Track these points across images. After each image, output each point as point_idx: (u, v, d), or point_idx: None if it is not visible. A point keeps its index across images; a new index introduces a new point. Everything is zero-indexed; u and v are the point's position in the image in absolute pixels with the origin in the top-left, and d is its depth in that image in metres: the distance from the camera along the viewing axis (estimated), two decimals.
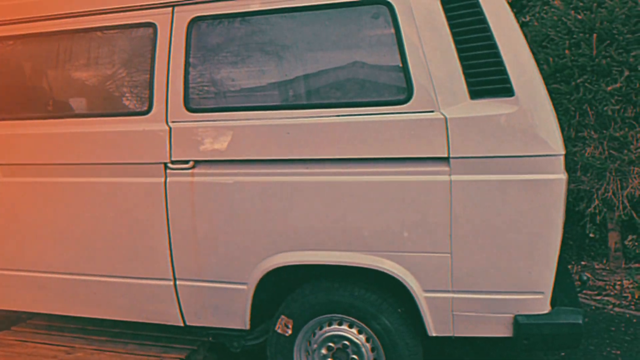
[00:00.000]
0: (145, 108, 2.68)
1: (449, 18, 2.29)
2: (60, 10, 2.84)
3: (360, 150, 2.34)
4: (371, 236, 2.37)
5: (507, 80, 2.22)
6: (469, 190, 2.25)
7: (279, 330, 2.60)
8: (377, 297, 2.46)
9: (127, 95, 2.84)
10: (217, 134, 2.55)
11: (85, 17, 2.80)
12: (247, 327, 2.65)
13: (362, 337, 2.50)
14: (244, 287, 2.59)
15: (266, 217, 2.49)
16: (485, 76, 2.26)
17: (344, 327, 2.53)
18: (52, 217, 2.85)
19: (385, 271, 2.36)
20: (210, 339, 2.84)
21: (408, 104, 2.30)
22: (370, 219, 2.35)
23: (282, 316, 2.60)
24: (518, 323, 2.27)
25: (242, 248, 2.55)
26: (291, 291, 2.65)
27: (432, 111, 2.26)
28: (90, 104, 2.89)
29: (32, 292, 3.02)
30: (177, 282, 2.70)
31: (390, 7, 2.34)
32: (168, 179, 2.63)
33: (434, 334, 2.38)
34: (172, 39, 2.64)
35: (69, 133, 2.78)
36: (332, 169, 2.40)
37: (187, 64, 2.61)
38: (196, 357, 3.06)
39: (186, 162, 2.60)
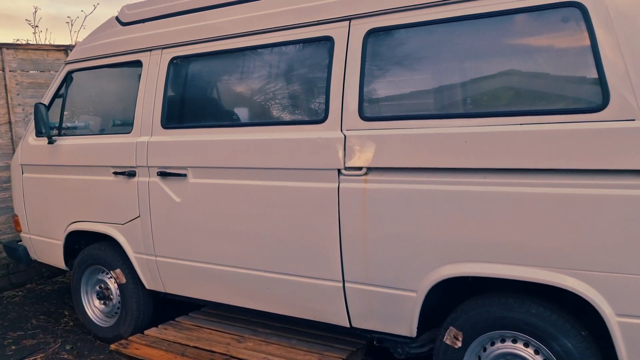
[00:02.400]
0: (321, 117, 2.81)
1: None
2: (243, 30, 3.09)
3: (544, 161, 2.22)
4: (554, 251, 2.23)
5: None
6: None
7: (447, 342, 2.56)
8: (557, 316, 2.31)
9: (304, 105, 2.99)
10: (390, 142, 2.58)
11: (266, 34, 3.02)
12: (414, 334, 2.65)
13: (539, 358, 2.37)
14: (413, 294, 2.59)
15: (440, 226, 2.47)
16: None
17: (519, 345, 2.42)
18: (234, 215, 3.10)
19: (570, 290, 2.21)
20: (375, 342, 2.88)
21: (603, 112, 2.14)
22: (554, 233, 2.22)
23: (451, 327, 2.55)
24: None
25: (413, 255, 2.56)
26: (459, 302, 2.60)
27: (632, 120, 2.08)
28: (270, 113, 3.10)
29: (210, 283, 3.31)
30: (346, 284, 2.78)
31: (582, 9, 2.20)
32: (341, 185, 2.72)
33: None
34: (349, 50, 2.73)
35: (250, 140, 3.01)
36: (512, 179, 2.31)
37: (362, 74, 2.68)
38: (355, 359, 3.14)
39: (359, 169, 2.68)
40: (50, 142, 3.97)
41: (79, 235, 4.01)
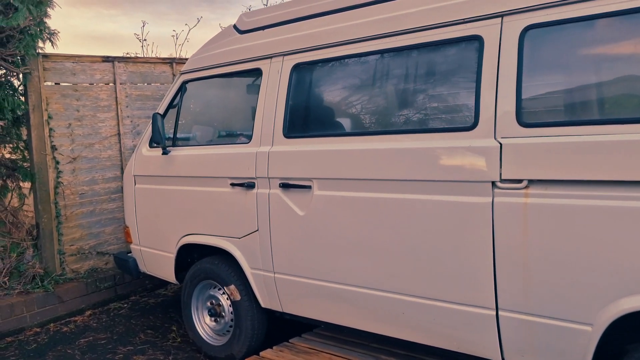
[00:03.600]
0: (469, 124, 2.52)
1: None
2: (375, 32, 2.87)
3: None
4: None
5: None
6: None
7: None
8: None
9: (448, 111, 2.71)
10: (558, 150, 2.25)
11: (401, 36, 2.78)
12: None
13: None
14: (588, 328, 2.22)
15: (623, 249, 2.10)
16: None
17: None
18: (365, 231, 2.85)
19: None
20: None
21: None
22: None
23: None
24: None
25: (589, 282, 2.19)
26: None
27: None
28: (407, 120, 2.84)
29: (335, 304, 3.07)
30: (500, 313, 2.45)
31: None
32: (496, 199, 2.41)
33: None
34: (502, 50, 2.44)
35: (385, 149, 2.76)
36: None
37: (519, 77, 2.38)
38: None
39: (519, 181, 2.36)
40: (165, 152, 3.92)
41: (191, 249, 3.92)
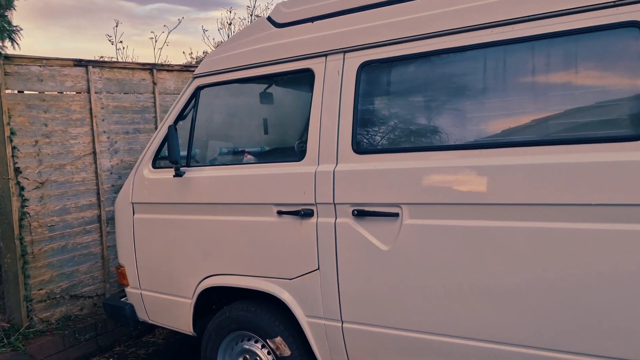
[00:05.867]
0: (632, 133, 2.01)
1: None
2: (488, 20, 2.31)
3: None
4: None
5: None
6: None
7: None
8: None
9: (597, 116, 2.18)
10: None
11: (520, 24, 2.25)
12: None
13: None
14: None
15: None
16: None
17: None
18: (481, 269, 2.26)
19: None
20: None
21: None
22: None
23: None
24: None
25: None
26: None
27: None
28: (538, 128, 2.28)
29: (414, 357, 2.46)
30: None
31: None
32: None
33: None
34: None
35: (512, 165, 2.18)
36: None
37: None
38: None
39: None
40: (178, 174, 3.16)
41: (212, 292, 3.17)
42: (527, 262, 2.16)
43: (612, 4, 2.07)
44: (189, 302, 3.21)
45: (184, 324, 3.29)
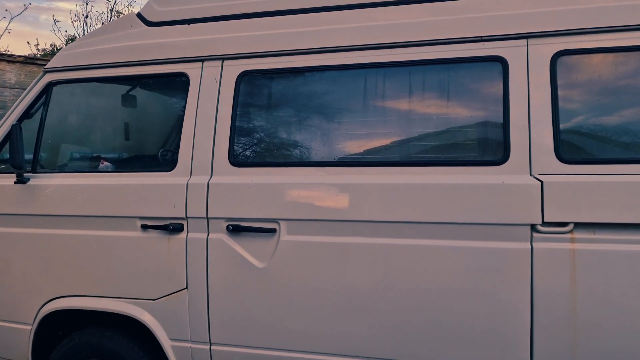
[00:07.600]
0: (498, 157, 2.16)
1: None
2: (369, 42, 2.36)
3: None
4: None
5: None
6: None
7: None
8: None
9: (470, 142, 2.31)
10: (610, 189, 2.02)
11: (405, 49, 2.34)
12: None
13: None
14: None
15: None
16: None
17: None
18: (359, 287, 2.26)
19: None
20: None
21: None
22: None
23: None
24: None
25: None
26: None
27: None
28: (418, 149, 2.35)
29: None
30: None
31: None
32: (535, 245, 2.08)
33: None
34: (530, 74, 2.16)
35: (389, 184, 2.23)
36: None
37: (554, 104, 2.12)
38: None
39: (564, 224, 2.07)
40: (21, 180, 2.75)
41: (62, 317, 2.80)
42: (388, 278, 2.22)
43: (480, 39, 2.24)
44: (28, 329, 2.78)
45: (20, 354, 2.84)
